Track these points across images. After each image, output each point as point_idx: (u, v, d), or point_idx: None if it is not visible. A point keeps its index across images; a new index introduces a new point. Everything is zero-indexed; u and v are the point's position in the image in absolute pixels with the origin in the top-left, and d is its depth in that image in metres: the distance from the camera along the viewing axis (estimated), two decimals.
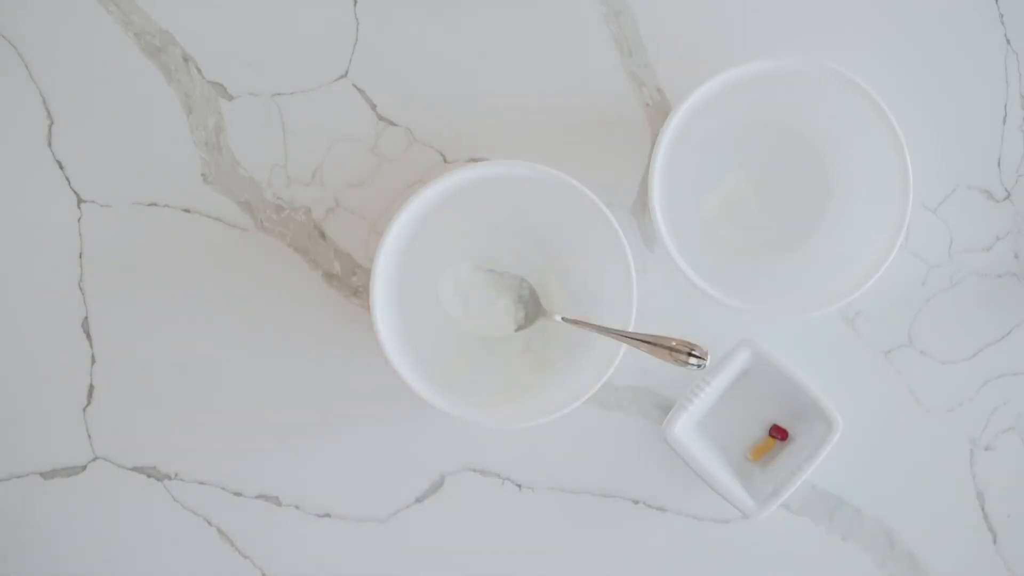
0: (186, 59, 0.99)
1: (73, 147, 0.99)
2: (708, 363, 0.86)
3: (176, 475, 0.99)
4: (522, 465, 1.00)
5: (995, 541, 1.00)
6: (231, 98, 0.99)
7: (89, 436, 0.98)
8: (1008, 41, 1.00)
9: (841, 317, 1.00)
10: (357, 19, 0.99)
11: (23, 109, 0.98)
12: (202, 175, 0.99)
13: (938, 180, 1.01)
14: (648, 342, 0.86)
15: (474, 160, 0.99)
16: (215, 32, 0.99)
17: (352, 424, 0.99)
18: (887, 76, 0.99)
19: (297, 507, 0.99)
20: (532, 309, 0.95)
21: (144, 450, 0.98)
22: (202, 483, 0.99)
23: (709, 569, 1.00)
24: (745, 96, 0.94)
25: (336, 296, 0.99)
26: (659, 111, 1.00)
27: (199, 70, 0.99)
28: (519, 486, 1.00)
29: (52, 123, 0.98)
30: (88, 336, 0.98)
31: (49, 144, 0.98)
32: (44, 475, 0.98)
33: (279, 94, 0.99)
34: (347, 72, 0.99)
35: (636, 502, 1.00)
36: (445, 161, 0.99)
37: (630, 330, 0.90)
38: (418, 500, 0.99)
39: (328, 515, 0.99)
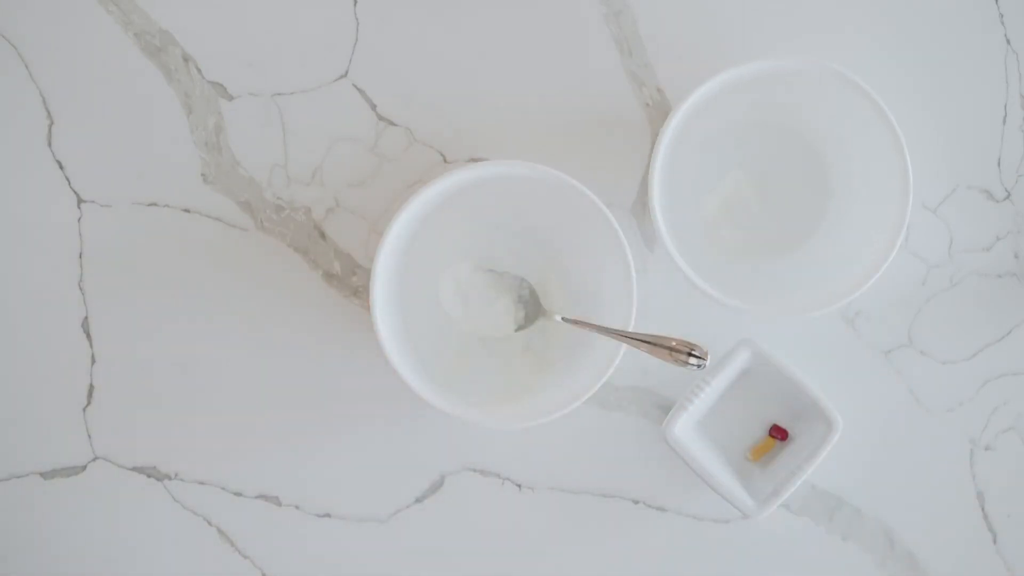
0: (186, 59, 0.99)
1: (73, 147, 0.99)
2: (708, 363, 0.86)
3: (176, 475, 0.99)
4: (522, 465, 1.00)
5: (995, 541, 1.00)
6: (231, 98, 0.99)
7: (89, 436, 0.98)
8: (1008, 41, 1.00)
9: (841, 317, 1.00)
10: (357, 19, 0.99)
11: (23, 109, 0.98)
12: (202, 175, 0.99)
13: (938, 180, 1.01)
14: (648, 342, 0.86)
15: (474, 160, 0.99)
16: (215, 32, 0.99)
17: (352, 424, 0.99)
18: (887, 76, 0.99)
19: (297, 507, 0.99)
20: (532, 309, 0.95)
21: (144, 450, 0.98)
22: (202, 483, 0.99)
23: (709, 569, 1.00)
24: (745, 96, 0.94)
25: (336, 296, 0.99)
26: (659, 111, 1.00)
27: (199, 70, 0.99)
28: (519, 486, 1.00)
29: (52, 123, 0.98)
30: (88, 336, 0.98)
31: (49, 144, 0.98)
32: (44, 475, 0.98)
33: (279, 94, 0.99)
34: (347, 72, 0.99)
35: (636, 502, 1.00)
36: (445, 161, 0.99)
37: (630, 330, 0.90)
38: (418, 500, 0.99)
39: (328, 515, 0.99)
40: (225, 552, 0.99)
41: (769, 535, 1.00)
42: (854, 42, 1.00)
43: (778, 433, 0.99)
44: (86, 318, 0.98)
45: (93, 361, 0.98)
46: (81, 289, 0.98)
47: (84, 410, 0.98)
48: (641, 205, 0.99)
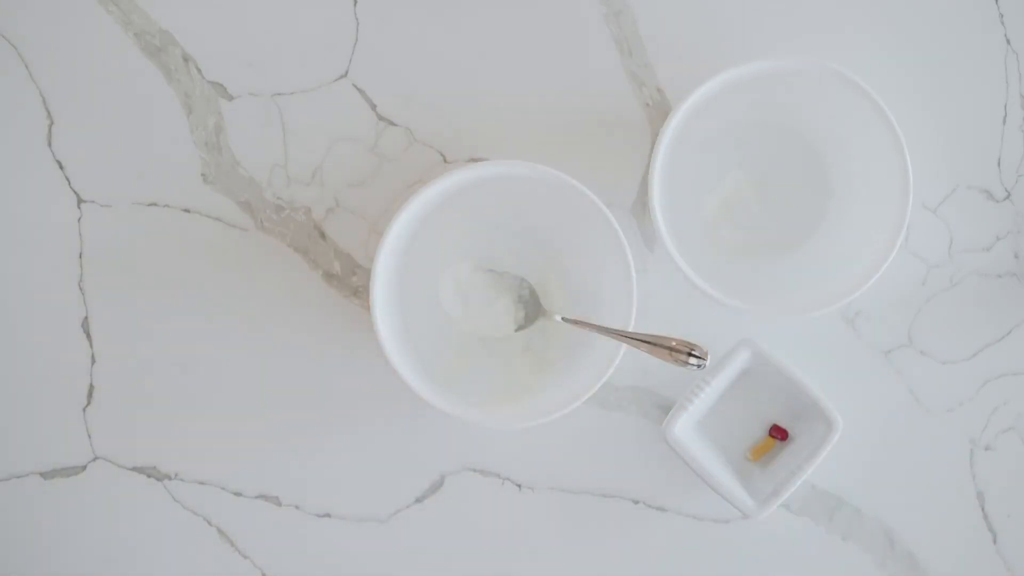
0: (186, 59, 0.99)
1: (73, 147, 0.99)
2: (708, 363, 0.86)
3: (176, 475, 0.99)
4: (522, 465, 1.00)
5: (995, 541, 1.00)
6: (231, 98, 0.99)
7: (89, 436, 0.98)
8: (1008, 41, 1.00)
9: (841, 317, 1.00)
10: (357, 19, 0.99)
11: (23, 109, 0.98)
12: (202, 175, 0.99)
13: (938, 180, 1.01)
14: (648, 342, 0.86)
15: (474, 160, 0.99)
16: (215, 32, 0.99)
17: (352, 424, 0.99)
18: (887, 76, 0.99)
19: (297, 507, 0.99)
20: (532, 309, 0.95)
21: (144, 450, 0.98)
22: (202, 483, 0.99)
23: (709, 569, 1.00)
24: (745, 96, 0.94)
25: (336, 296, 0.99)
26: (659, 111, 1.00)
27: (199, 70, 0.99)
28: (519, 486, 1.00)
29: (52, 123, 0.98)
30: (88, 336, 0.98)
31: (49, 144, 0.98)
32: (44, 475, 0.98)
33: (279, 94, 0.99)
34: (347, 72, 0.99)
35: (636, 502, 1.00)
36: (445, 161, 0.99)
37: (630, 330, 0.90)
38: (418, 500, 0.99)
39: (328, 515, 0.99)
40: (225, 552, 0.99)
41: (769, 535, 1.00)
42: (854, 42, 1.00)
43: (778, 433, 0.99)
44: (86, 318, 0.98)
45: (93, 361, 0.98)
46: (81, 289, 0.98)
47: (84, 410, 0.98)
48: (641, 205, 0.99)
